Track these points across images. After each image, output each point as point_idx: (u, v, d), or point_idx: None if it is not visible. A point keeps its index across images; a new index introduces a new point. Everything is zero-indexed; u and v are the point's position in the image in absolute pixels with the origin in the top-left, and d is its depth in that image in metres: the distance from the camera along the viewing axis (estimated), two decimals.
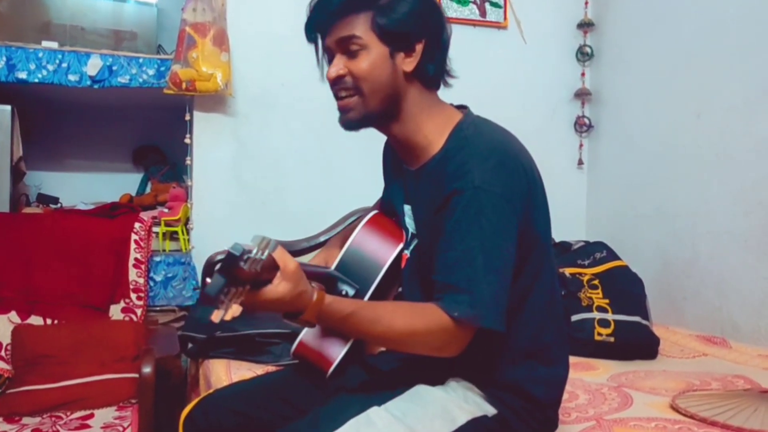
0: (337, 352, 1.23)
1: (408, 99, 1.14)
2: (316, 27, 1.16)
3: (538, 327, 1.15)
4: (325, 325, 1.06)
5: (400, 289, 1.29)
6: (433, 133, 1.15)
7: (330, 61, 1.16)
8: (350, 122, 1.15)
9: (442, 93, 1.21)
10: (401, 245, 1.27)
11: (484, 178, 1.04)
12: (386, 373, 1.24)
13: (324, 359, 1.24)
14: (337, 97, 1.15)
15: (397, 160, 1.26)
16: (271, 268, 0.93)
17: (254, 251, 0.87)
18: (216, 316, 0.87)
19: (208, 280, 0.86)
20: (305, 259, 1.60)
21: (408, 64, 1.13)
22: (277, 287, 0.95)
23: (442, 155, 1.13)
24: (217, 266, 0.86)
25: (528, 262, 1.10)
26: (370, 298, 1.23)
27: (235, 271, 0.85)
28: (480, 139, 1.10)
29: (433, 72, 1.16)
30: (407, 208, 1.24)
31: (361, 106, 1.13)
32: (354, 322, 1.02)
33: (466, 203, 1.04)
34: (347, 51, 1.11)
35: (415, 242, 1.22)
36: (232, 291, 0.87)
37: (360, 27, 1.10)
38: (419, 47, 1.13)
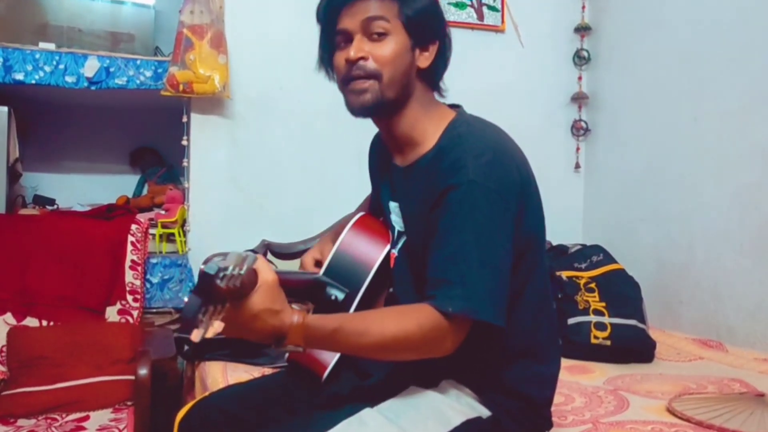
0: (331, 356, 1.23)
1: (414, 94, 1.15)
2: (334, 5, 1.13)
3: (531, 325, 1.15)
4: (314, 346, 1.00)
5: (391, 290, 1.28)
6: (427, 130, 1.15)
7: (341, 45, 1.12)
8: (363, 106, 1.11)
9: None
10: (389, 246, 1.26)
11: (479, 173, 1.03)
12: (378, 376, 1.23)
13: (318, 363, 1.24)
14: (351, 78, 1.10)
15: (385, 156, 1.26)
16: (253, 283, 0.92)
17: (230, 268, 0.86)
18: (195, 335, 0.85)
19: (185, 299, 0.86)
20: None
21: (423, 60, 1.14)
22: (254, 297, 0.91)
23: (435, 152, 1.12)
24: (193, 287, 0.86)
25: (522, 260, 1.10)
26: (361, 301, 1.21)
27: (212, 290, 0.84)
28: (474, 136, 1.10)
29: (438, 76, 1.17)
30: (394, 206, 1.23)
31: (378, 92, 1.10)
32: (341, 338, 0.96)
33: (461, 198, 1.03)
34: (371, 34, 1.10)
35: (403, 240, 1.21)
36: (210, 309, 0.86)
37: (387, 11, 1.10)
38: (433, 48, 1.14)
